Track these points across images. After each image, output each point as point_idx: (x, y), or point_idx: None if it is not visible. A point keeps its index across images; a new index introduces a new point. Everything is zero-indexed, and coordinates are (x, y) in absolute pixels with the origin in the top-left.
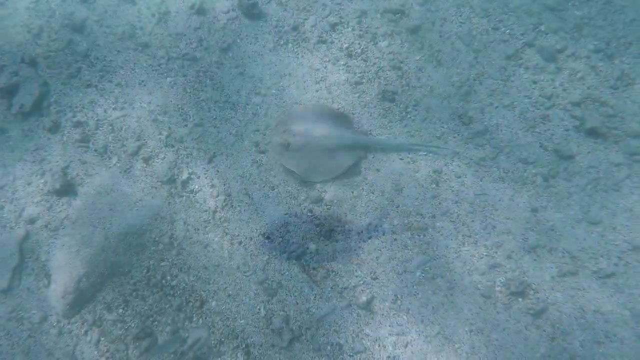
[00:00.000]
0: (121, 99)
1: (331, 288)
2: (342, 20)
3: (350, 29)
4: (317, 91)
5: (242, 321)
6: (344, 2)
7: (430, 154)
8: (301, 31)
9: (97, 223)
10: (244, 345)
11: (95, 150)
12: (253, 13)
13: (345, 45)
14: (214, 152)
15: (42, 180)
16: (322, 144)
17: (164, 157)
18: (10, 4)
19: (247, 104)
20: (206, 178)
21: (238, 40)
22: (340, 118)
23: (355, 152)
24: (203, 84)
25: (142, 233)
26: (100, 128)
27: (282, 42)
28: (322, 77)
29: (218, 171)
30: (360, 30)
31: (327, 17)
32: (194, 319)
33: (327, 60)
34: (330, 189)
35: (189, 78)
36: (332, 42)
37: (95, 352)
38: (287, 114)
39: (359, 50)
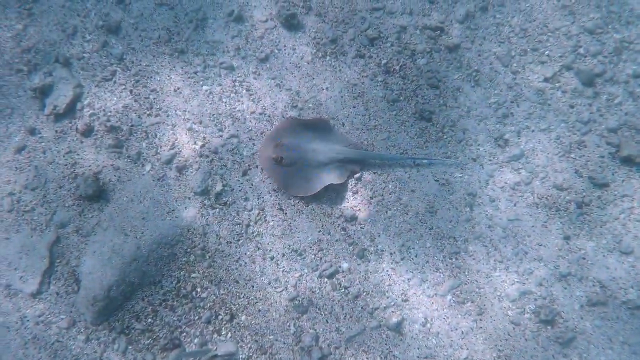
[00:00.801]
0: (156, 106)
1: (361, 308)
2: (381, 34)
3: (389, 44)
4: (354, 107)
5: (271, 337)
6: (383, 16)
7: (465, 175)
8: (340, 44)
9: (129, 231)
10: None
11: (129, 157)
12: (292, 23)
13: (383, 61)
14: (249, 165)
15: (74, 184)
16: (315, 159)
17: (198, 168)
18: (45, 0)
19: (284, 117)
20: (240, 191)
21: (276, 51)
22: (331, 132)
23: (348, 167)
24: (239, 95)
25: (174, 244)
26: (134, 134)
27: (320, 55)
28: (359, 92)
29: (252, 185)
30: (399, 46)
31: (366, 31)
32: (223, 333)
33: (365, 75)
34: (364, 209)
35: (225, 87)
36: (370, 57)
37: None
38: (279, 127)
39: (397, 67)
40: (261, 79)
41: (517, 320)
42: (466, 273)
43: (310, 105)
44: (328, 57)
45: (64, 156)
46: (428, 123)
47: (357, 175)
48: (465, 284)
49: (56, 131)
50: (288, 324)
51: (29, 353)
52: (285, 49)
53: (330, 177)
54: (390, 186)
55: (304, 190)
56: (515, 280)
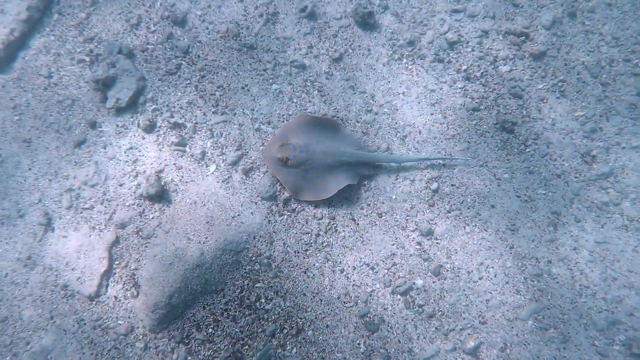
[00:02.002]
0: (222, 103)
1: (436, 329)
2: (462, 38)
3: (469, 49)
4: (431, 114)
5: (339, 354)
6: (464, 19)
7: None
8: (417, 47)
9: (192, 236)
10: None
11: (192, 156)
12: (367, 22)
13: (463, 67)
14: None
15: (135, 183)
16: (323, 161)
17: (267, 171)
18: None
19: (357, 122)
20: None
21: (350, 51)
22: (342, 133)
23: (357, 170)
24: (310, 95)
25: (239, 251)
26: (199, 132)
27: (396, 57)
28: (437, 99)
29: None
30: (481, 52)
31: (445, 34)
32: (288, 348)
33: (444, 81)
34: (441, 223)
35: (295, 87)
36: (449, 62)
37: None
38: (287, 125)
39: (479, 74)
40: (334, 79)
41: (605, 351)
42: (549, 297)
43: (386, 110)
44: (405, 60)
45: (125, 152)
46: (510, 135)
47: (367, 177)
48: (549, 308)
49: (117, 125)
50: (358, 342)
51: (85, 358)
52: (359, 49)
53: (339, 181)
54: (468, 200)
55: (314, 195)
56: (603, 308)
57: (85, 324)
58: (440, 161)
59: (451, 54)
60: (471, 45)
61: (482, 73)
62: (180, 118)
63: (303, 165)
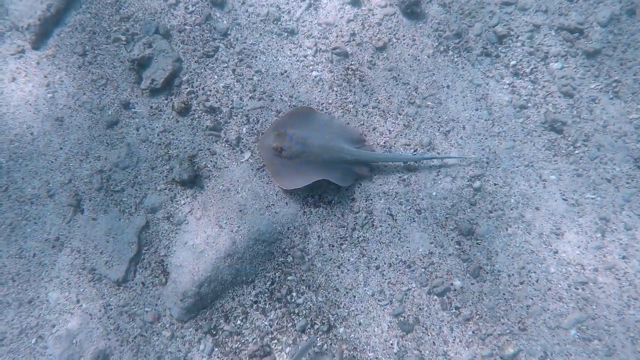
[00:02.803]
0: (259, 88)
1: (473, 332)
2: (512, 32)
3: (519, 43)
4: (476, 110)
5: (370, 354)
6: (515, 12)
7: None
8: (464, 39)
9: (224, 224)
10: None
11: (227, 141)
12: (413, 12)
13: (512, 62)
14: None
15: (167, 167)
16: (320, 157)
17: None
18: None
19: (399, 114)
20: (347, 190)
21: (394, 40)
22: (344, 130)
23: (355, 168)
24: (351, 84)
25: (272, 242)
26: (234, 117)
27: (442, 49)
28: (483, 94)
29: (360, 185)
30: (531, 47)
31: (494, 27)
32: (319, 344)
33: (491, 76)
34: (483, 223)
35: (336, 75)
36: (497, 56)
37: None
38: (287, 115)
39: (528, 70)
40: (376, 69)
41: None
42: (594, 307)
43: (429, 103)
44: (450, 52)
45: (158, 135)
46: (558, 135)
47: (366, 175)
48: (593, 319)
49: (151, 107)
50: (391, 341)
51: (111, 344)
52: (404, 39)
53: (334, 178)
54: (512, 201)
55: (295, 184)
56: None
57: (111, 309)
58: (438, 160)
59: (500, 48)
60: (521, 40)
61: (531, 69)
62: (216, 102)
63: (298, 157)
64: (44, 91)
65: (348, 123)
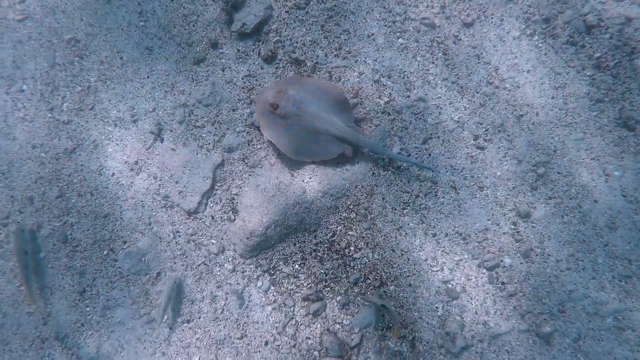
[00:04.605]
0: (345, 47)
1: (514, 308)
2: (602, 23)
3: (608, 35)
4: (552, 98)
5: (415, 314)
6: (609, 2)
7: None
8: (552, 25)
9: (296, 173)
10: (411, 337)
11: (346, 101)
12: None
13: (596, 54)
14: (431, 134)
15: (248, 111)
16: (310, 123)
17: (378, 124)
18: None
19: (477, 92)
20: (417, 158)
21: (482, 18)
22: (342, 106)
23: (340, 145)
24: (435, 57)
25: (339, 197)
26: (318, 72)
27: (528, 32)
28: (562, 83)
29: (430, 155)
30: (619, 41)
31: (585, 16)
32: (368, 298)
33: (573, 65)
34: (541, 208)
35: (421, 45)
36: (582, 46)
37: (263, 299)
38: (291, 79)
39: (612, 64)
40: (461, 45)
41: None
42: (634, 300)
43: (507, 85)
44: (536, 37)
45: (242, 79)
46: (630, 132)
47: (348, 155)
48: (631, 311)
49: (238, 50)
50: (436, 305)
51: (176, 268)
52: (492, 18)
53: (318, 149)
54: (572, 191)
55: (290, 152)
56: None
57: (180, 235)
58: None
59: (586, 38)
60: (610, 32)
61: (615, 64)
62: (302, 55)
63: (290, 119)
64: (137, 19)
65: (347, 97)
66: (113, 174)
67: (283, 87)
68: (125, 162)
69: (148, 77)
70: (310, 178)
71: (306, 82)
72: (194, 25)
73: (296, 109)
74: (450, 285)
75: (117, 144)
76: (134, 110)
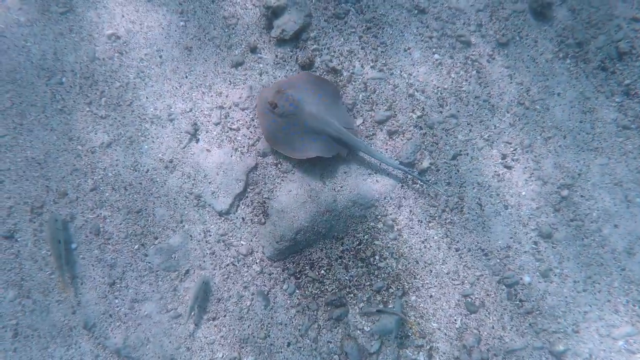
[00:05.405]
0: (382, 60)
1: (530, 325)
2: (634, 51)
3: (639, 63)
4: (580, 122)
5: (434, 324)
6: None
7: None
8: (585, 49)
9: (327, 181)
10: (428, 347)
11: (343, 104)
12: (543, 13)
13: (626, 81)
14: (460, 151)
15: None
16: (308, 122)
17: (410, 138)
18: None
19: (507, 112)
20: (445, 174)
21: (517, 38)
22: (338, 106)
23: (336, 145)
24: (468, 74)
25: (368, 207)
26: (353, 83)
27: (561, 55)
28: (590, 108)
29: (458, 171)
30: None
31: (618, 42)
32: (390, 306)
33: (602, 91)
34: (562, 229)
35: (456, 62)
36: (613, 72)
37: (288, 301)
38: (293, 77)
39: (638, 100)
40: (494, 64)
41: None
42: None
43: (537, 107)
44: (569, 60)
45: None
46: None
47: (343, 156)
48: None
49: (276, 56)
50: (455, 318)
51: (205, 266)
52: (527, 39)
53: (314, 148)
54: (594, 214)
55: (286, 150)
56: None
57: (210, 235)
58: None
59: (617, 65)
60: None
61: None
62: (339, 64)
63: (287, 118)
64: (177, 18)
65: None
66: (147, 170)
67: (283, 86)
68: (160, 159)
69: (186, 77)
70: (342, 187)
71: (303, 80)
72: (233, 28)
73: (294, 109)
74: (469, 299)
75: (153, 142)
76: (171, 109)
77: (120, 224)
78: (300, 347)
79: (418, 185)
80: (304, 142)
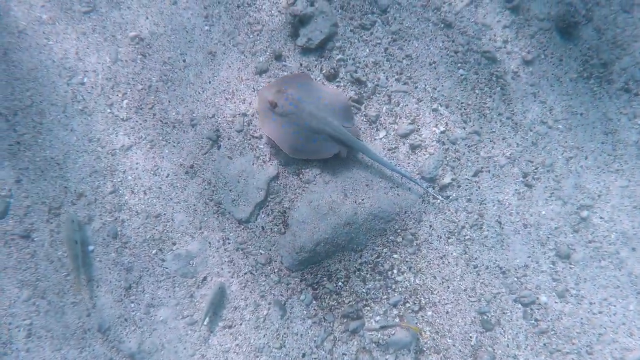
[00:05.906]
0: (406, 73)
1: (544, 345)
2: None
3: None
4: (602, 143)
5: (449, 340)
6: None
7: None
8: (609, 70)
9: (349, 193)
10: None
11: (365, 116)
12: (568, 32)
13: None
14: (482, 167)
15: None
16: (307, 122)
17: (433, 153)
18: None
19: (531, 130)
20: (466, 190)
21: (542, 56)
22: (339, 106)
23: (336, 145)
24: (492, 91)
25: (388, 220)
26: (377, 95)
27: (585, 75)
28: (612, 129)
29: (479, 187)
30: None
31: None
32: (406, 321)
33: (625, 112)
34: (580, 250)
35: (481, 78)
36: (636, 94)
37: (305, 312)
38: (294, 76)
39: None
40: (519, 82)
41: None
42: None
43: (560, 126)
44: (592, 80)
45: None
46: None
47: (342, 156)
48: None
49: (301, 64)
50: (470, 334)
51: (223, 274)
52: (551, 57)
53: (314, 148)
54: (612, 237)
55: (287, 148)
56: None
57: (230, 243)
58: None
59: None
60: None
61: None
62: (364, 76)
63: (287, 117)
64: (202, 22)
65: (345, 100)
66: (167, 175)
67: (283, 85)
68: (181, 164)
69: (210, 82)
70: (363, 200)
71: (305, 80)
72: (258, 35)
73: (294, 108)
74: (485, 317)
75: (174, 146)
76: (194, 114)
77: (139, 228)
78: (316, 359)
79: (439, 201)
80: (304, 142)
